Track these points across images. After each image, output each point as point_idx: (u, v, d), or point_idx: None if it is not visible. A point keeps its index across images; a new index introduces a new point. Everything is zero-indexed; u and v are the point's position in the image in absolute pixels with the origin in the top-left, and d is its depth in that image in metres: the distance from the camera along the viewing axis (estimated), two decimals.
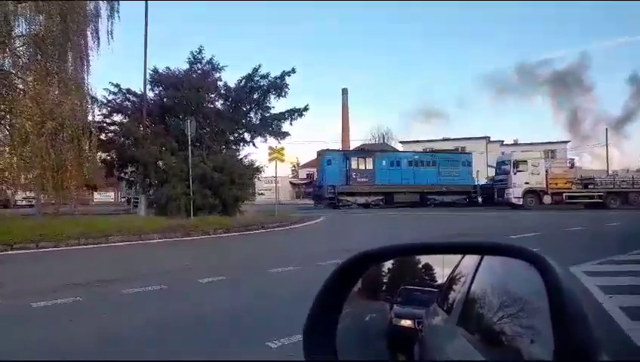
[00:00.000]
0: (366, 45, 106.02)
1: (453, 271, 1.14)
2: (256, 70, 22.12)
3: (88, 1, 17.21)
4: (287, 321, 4.01)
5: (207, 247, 12.34)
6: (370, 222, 21.10)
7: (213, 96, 22.06)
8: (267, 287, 6.64)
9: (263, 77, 22.14)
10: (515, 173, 30.21)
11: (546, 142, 50.55)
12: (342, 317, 1.06)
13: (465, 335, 1.00)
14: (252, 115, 22.82)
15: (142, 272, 7.87)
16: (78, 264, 9.55)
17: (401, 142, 57.62)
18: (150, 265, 9.23)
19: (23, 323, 4.91)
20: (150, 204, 19.60)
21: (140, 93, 21.05)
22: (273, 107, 22.77)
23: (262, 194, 41.07)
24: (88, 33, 17.18)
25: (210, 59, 21.74)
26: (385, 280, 1.20)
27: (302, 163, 63.84)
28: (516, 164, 30.51)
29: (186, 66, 21.68)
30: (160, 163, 18.67)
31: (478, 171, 37.42)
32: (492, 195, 33.42)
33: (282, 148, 22.22)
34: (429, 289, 1.17)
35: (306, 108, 23.03)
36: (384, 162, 34.20)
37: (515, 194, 29.81)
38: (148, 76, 20.64)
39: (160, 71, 21.42)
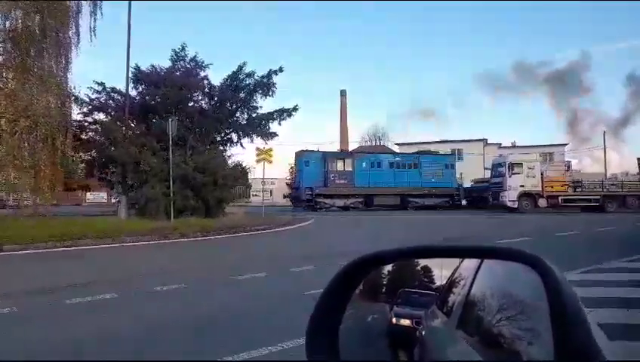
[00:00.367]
0: (364, 46, 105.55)
1: (453, 274, 1.15)
2: (241, 68, 21.62)
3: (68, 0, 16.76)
4: (241, 338, 3.81)
5: (181, 251, 11.85)
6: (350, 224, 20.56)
7: (197, 94, 21.57)
8: (229, 297, 6.24)
9: (249, 75, 21.64)
10: (510, 176, 29.70)
11: (543, 145, 50.02)
12: (344, 319, 1.07)
13: (464, 338, 1.01)
14: (238, 114, 22.31)
15: (93, 280, 7.31)
16: (29, 269, 9.01)
17: (397, 143, 57.09)
18: (108, 271, 8.67)
19: None
20: (132, 205, 19.09)
21: (124, 91, 20.59)
22: (260, 107, 22.35)
23: (256, 195, 40.55)
24: (69, 30, 16.77)
25: (194, 56, 21.33)
26: (385, 283, 1.21)
27: None
28: (511, 166, 29.98)
29: (168, 64, 21.25)
30: (141, 163, 18.12)
31: (461, 173, 36.66)
32: (478, 198, 32.79)
33: (270, 149, 21.84)
34: (429, 292, 1.18)
35: (295, 109, 22.60)
36: (364, 164, 33.32)
37: (510, 197, 29.29)
38: (130, 74, 20.24)
39: (142, 69, 20.94)
